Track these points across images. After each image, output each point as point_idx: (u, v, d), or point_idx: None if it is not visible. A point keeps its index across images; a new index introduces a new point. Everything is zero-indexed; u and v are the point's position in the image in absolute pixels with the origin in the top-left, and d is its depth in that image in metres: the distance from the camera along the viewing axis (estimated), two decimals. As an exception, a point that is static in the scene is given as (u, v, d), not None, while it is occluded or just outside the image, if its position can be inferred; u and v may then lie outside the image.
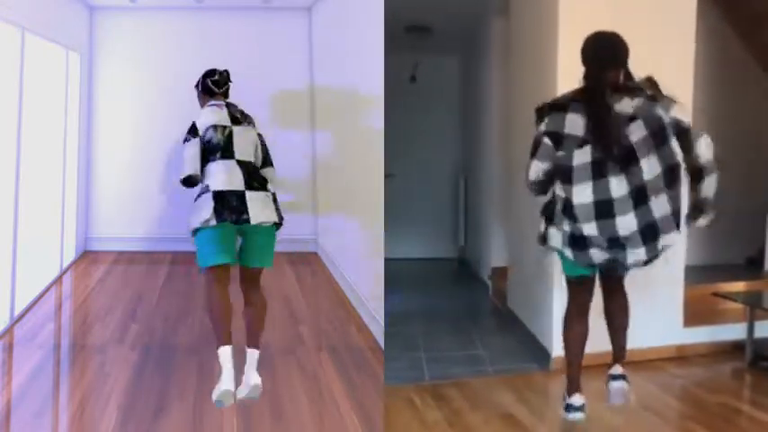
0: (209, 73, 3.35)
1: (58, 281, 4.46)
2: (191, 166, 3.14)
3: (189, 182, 3.16)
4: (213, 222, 3.00)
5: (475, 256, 7.60)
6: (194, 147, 3.15)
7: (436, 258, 8.36)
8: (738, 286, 5.00)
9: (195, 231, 3.07)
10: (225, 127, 3.19)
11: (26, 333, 3.88)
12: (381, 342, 3.72)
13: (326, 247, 4.82)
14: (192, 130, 3.19)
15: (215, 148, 3.15)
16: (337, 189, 4.70)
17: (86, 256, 4.71)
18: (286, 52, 4.72)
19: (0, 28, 3.69)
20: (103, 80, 4.61)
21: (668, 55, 4.24)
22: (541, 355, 4.39)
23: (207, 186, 3.10)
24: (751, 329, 4.34)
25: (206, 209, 3.03)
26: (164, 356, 3.66)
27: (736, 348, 4.47)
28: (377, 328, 3.81)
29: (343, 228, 4.56)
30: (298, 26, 4.81)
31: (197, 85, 3.36)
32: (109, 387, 3.29)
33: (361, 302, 4.17)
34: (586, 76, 2.93)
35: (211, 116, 3.22)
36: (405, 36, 7.03)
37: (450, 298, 6.56)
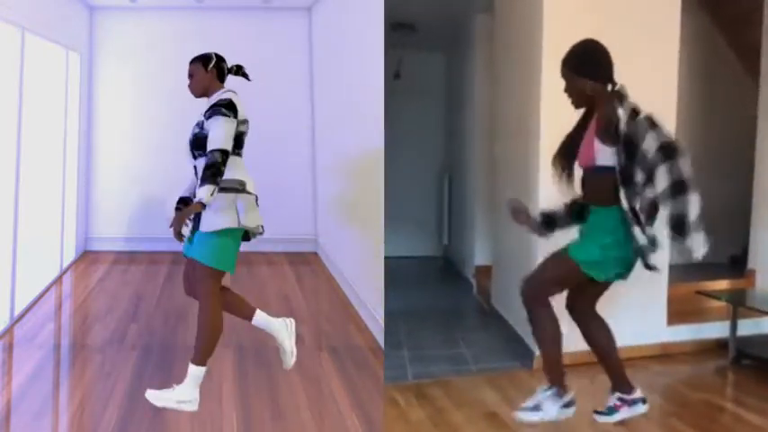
0: (222, 57, 3.02)
1: (58, 281, 4.45)
2: (228, 143, 2.75)
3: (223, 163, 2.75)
4: (261, 231, 2.87)
5: (459, 254, 7.63)
6: (233, 125, 2.76)
7: (420, 257, 8.38)
8: (722, 285, 5.08)
9: (228, 230, 2.78)
10: (246, 122, 2.92)
11: (26, 333, 3.87)
12: (381, 342, 3.75)
13: (326, 247, 4.83)
14: (232, 108, 2.81)
15: (242, 144, 2.89)
16: (337, 189, 4.73)
17: (86, 256, 4.67)
18: (286, 52, 4.71)
19: (0, 28, 3.66)
20: (103, 80, 4.57)
21: (653, 54, 4.29)
22: (525, 353, 4.40)
23: (242, 184, 2.85)
24: (734, 327, 4.42)
25: (255, 211, 2.83)
26: (164, 356, 3.65)
27: (719, 346, 4.55)
28: (377, 328, 3.83)
29: (343, 228, 4.60)
30: (298, 26, 4.79)
31: (207, 66, 2.96)
32: (109, 387, 3.28)
33: (361, 302, 4.19)
34: None
35: (240, 107, 2.86)
36: (389, 33, 7.02)
37: (434, 296, 6.58)
